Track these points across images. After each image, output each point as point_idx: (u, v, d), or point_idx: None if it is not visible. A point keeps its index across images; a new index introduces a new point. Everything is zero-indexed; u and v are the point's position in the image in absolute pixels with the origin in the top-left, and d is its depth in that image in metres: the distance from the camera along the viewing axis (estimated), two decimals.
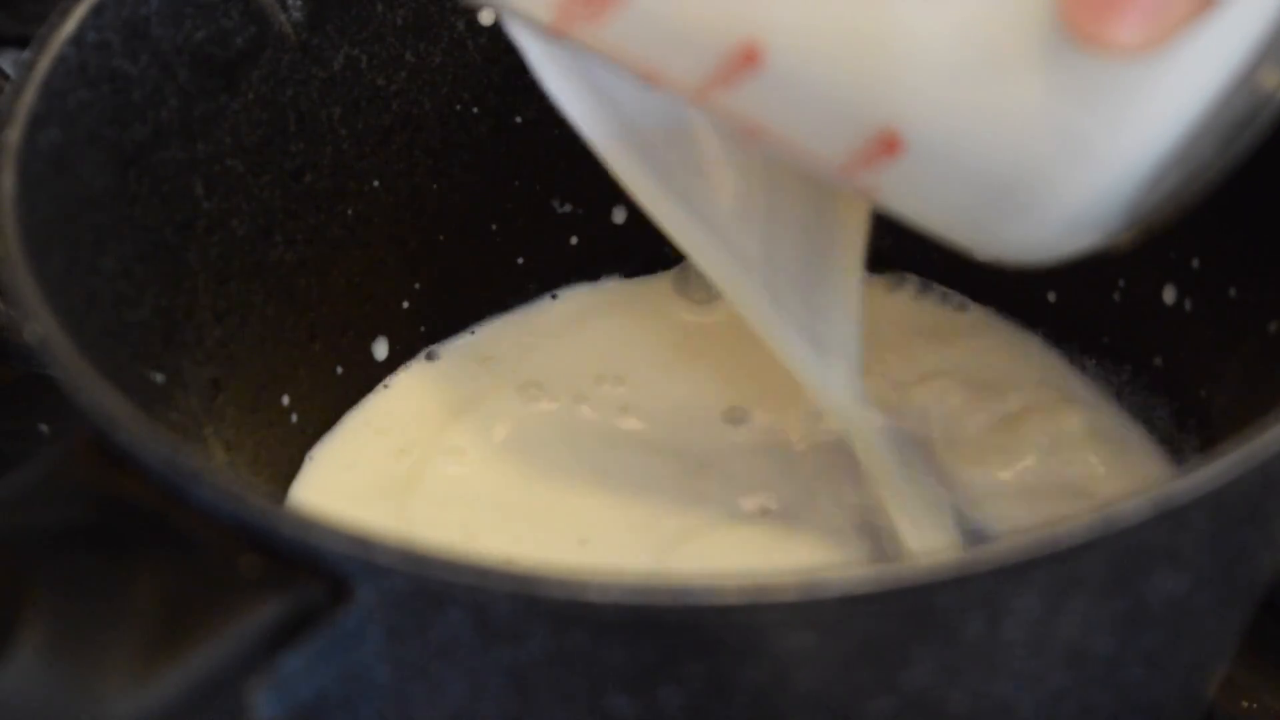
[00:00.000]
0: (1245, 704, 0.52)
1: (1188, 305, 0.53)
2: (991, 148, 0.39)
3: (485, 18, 0.55)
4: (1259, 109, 0.38)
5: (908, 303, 0.59)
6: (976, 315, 0.59)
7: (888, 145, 0.39)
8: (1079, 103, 0.37)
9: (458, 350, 0.59)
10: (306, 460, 0.55)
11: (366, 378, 0.57)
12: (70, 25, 0.46)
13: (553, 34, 0.41)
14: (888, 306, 0.59)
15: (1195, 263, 0.52)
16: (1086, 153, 0.38)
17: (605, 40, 0.41)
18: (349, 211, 0.55)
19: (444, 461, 0.55)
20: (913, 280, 0.59)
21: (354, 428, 0.56)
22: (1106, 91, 0.37)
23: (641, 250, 0.59)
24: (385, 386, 0.57)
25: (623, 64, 0.41)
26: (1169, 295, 0.53)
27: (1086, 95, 0.37)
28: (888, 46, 0.38)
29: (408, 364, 0.58)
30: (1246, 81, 0.37)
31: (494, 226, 0.59)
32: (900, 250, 0.58)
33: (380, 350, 0.57)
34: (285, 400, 0.54)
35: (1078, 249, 0.41)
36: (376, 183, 0.56)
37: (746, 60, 0.39)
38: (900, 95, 0.39)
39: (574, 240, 0.60)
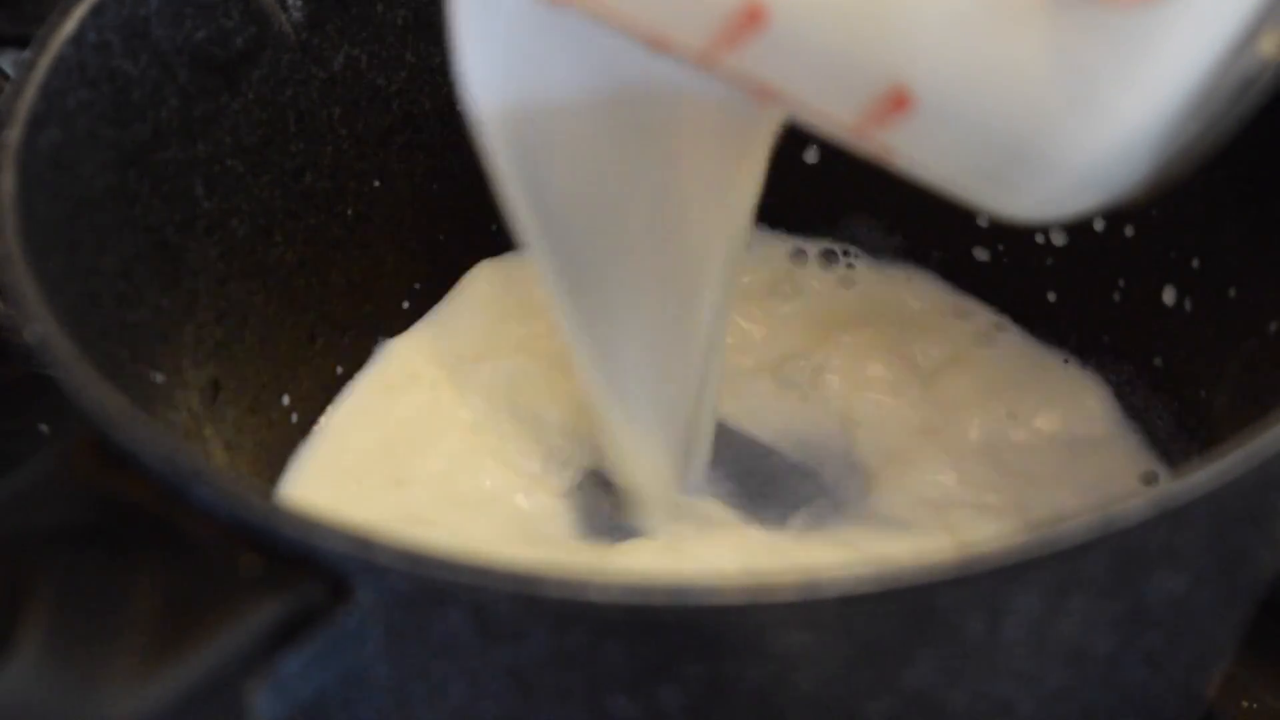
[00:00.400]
0: (1245, 704, 0.52)
1: (1188, 305, 0.53)
2: (1001, 103, 0.38)
3: None
4: (1268, 64, 0.38)
5: (914, 299, 0.59)
6: (981, 317, 0.59)
7: (898, 102, 0.39)
8: (1086, 56, 0.37)
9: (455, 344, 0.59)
10: (303, 450, 0.55)
11: None
12: (70, 25, 0.46)
13: (559, 3, 0.41)
14: (896, 289, 0.59)
15: (1195, 263, 0.52)
16: (1095, 107, 0.38)
17: (608, 6, 0.41)
18: (349, 211, 0.55)
19: (442, 456, 0.55)
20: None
21: (351, 419, 0.56)
22: (1113, 45, 0.37)
23: None
24: (383, 378, 0.57)
25: (628, 30, 0.41)
26: (1169, 295, 0.53)
27: (1093, 49, 0.37)
28: (893, 1, 0.38)
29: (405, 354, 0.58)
30: (1255, 35, 0.37)
31: (494, 226, 0.58)
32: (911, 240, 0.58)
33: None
34: (285, 400, 0.54)
35: (1092, 205, 0.40)
36: (376, 183, 0.56)
37: (751, 19, 0.39)
38: (908, 51, 0.38)
39: None
